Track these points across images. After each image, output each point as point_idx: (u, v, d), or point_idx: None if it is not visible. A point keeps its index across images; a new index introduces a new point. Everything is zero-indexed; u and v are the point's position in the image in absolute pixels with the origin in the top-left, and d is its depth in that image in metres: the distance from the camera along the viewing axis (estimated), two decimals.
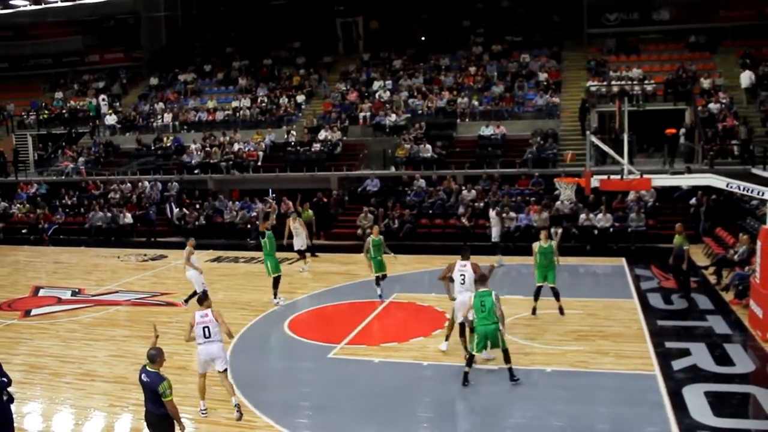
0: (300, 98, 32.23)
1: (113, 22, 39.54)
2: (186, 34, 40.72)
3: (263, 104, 32.38)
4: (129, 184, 29.35)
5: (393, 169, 27.01)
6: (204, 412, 9.99)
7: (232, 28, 39.40)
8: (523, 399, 10.10)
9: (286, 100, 32.18)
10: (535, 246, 14.07)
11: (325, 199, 25.65)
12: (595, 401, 9.96)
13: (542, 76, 29.43)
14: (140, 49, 39.94)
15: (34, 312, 16.37)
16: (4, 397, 8.21)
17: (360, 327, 13.79)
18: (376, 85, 31.35)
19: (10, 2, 30.27)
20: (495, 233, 19.62)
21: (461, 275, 11.73)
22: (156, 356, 7.93)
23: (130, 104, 36.08)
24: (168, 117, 33.20)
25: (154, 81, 37.28)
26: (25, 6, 30.57)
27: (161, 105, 34.38)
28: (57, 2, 30.58)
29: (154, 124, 33.35)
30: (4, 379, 8.26)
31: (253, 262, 21.12)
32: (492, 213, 19.99)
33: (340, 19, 35.49)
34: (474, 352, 10.47)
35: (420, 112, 29.06)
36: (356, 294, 16.61)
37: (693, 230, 20.75)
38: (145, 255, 23.27)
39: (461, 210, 23.34)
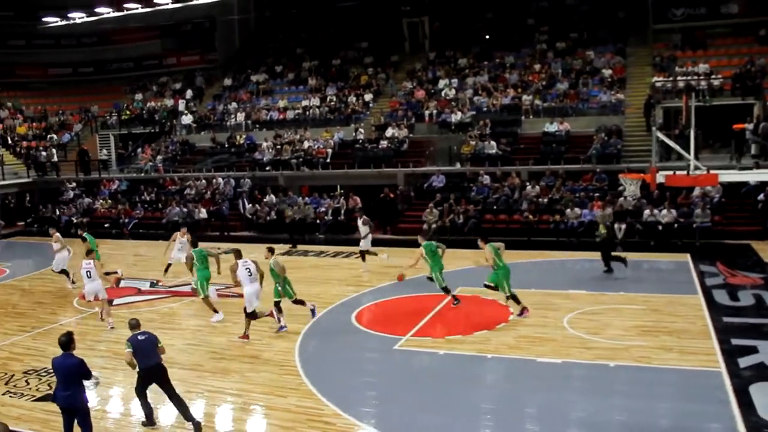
0: (368, 97, 32.80)
1: (190, 26, 41.06)
2: (258, 37, 41.73)
3: (332, 103, 33.05)
4: (204, 181, 30.35)
5: (458, 165, 27.31)
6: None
7: (303, 29, 40.17)
8: (586, 393, 10.18)
9: (355, 98, 32.79)
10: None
11: (392, 195, 26.17)
12: (658, 397, 9.86)
13: (607, 72, 29.26)
14: (215, 52, 41.22)
15: (116, 302, 16.78)
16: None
17: (425, 320, 13.98)
18: (441, 83, 31.66)
19: (95, 10, 31.69)
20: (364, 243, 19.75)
21: (247, 269, 13.27)
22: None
23: (206, 104, 37.33)
24: (241, 116, 34.26)
25: (228, 82, 38.38)
26: (109, 13, 31.98)
27: (235, 105, 35.46)
28: (138, 8, 31.87)
29: (228, 123, 34.45)
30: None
31: (321, 256, 21.69)
32: (359, 222, 20.09)
33: (406, 19, 35.89)
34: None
35: (485, 109, 29.26)
36: (421, 288, 16.72)
37: (761, 226, 20.55)
38: (219, 248, 24.07)
39: (525, 205, 23.56)
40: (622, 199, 22.28)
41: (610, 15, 32.92)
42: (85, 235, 19.56)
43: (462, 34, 35.03)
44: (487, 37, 34.75)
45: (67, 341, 8.43)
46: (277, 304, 13.20)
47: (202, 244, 22.99)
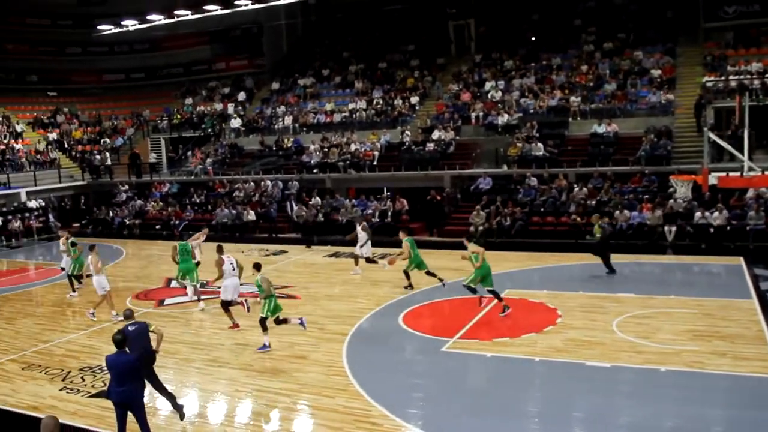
0: (414, 99, 32.86)
1: (238, 31, 41.75)
2: (305, 41, 42.16)
3: (379, 106, 33.22)
4: (252, 183, 30.80)
5: (505, 167, 27.21)
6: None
7: (349, 33, 40.50)
8: (635, 398, 9.95)
9: (401, 101, 32.90)
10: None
11: (438, 197, 26.23)
12: (710, 403, 9.69)
13: (656, 72, 28.80)
14: (263, 56, 41.78)
15: (167, 302, 17.58)
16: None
17: (472, 322, 13.94)
18: (488, 85, 31.56)
19: (147, 17, 32.44)
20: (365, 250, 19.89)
21: (231, 264, 14.71)
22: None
23: (254, 108, 37.84)
24: (288, 119, 34.68)
25: (275, 86, 38.84)
26: (160, 20, 32.69)
27: (282, 108, 35.90)
28: (188, 15, 32.53)
29: (276, 126, 34.91)
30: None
31: None
32: (358, 228, 20.05)
33: (452, 21, 35.96)
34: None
35: (532, 111, 29.09)
36: (468, 291, 16.84)
37: None
38: (267, 250, 24.29)
39: (573, 208, 23.37)
40: (672, 201, 21.97)
41: (658, 14, 32.35)
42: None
43: (508, 36, 34.88)
44: (533, 38, 34.52)
45: (121, 339, 8.64)
46: (262, 321, 13.07)
47: (250, 246, 23.48)
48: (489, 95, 30.82)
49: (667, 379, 10.58)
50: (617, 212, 22.21)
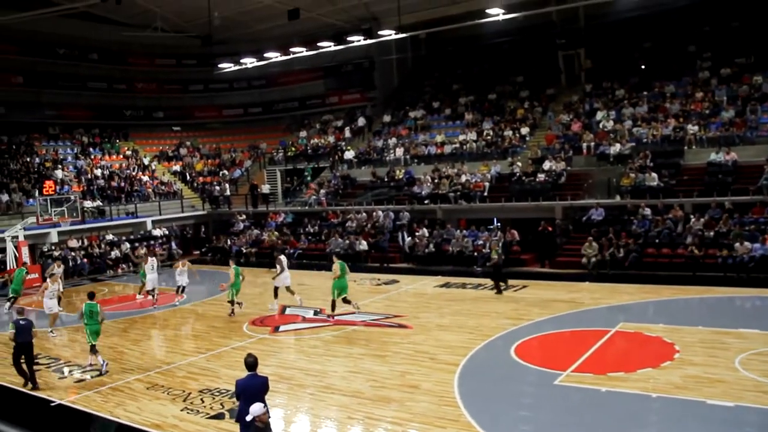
0: (524, 130, 32.87)
1: (351, 66, 43.00)
2: (416, 74, 42.99)
3: (489, 137, 33.35)
4: (364, 214, 31.51)
5: (618, 198, 26.77)
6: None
7: (458, 66, 40.97)
8: None
9: (511, 132, 32.95)
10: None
11: (550, 228, 26.12)
12: None
13: None
14: (375, 90, 42.87)
15: (282, 328, 18.08)
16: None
17: (586, 355, 13.66)
18: (599, 115, 31.22)
19: (264, 55, 34.16)
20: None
21: (151, 266, 21.59)
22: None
23: (366, 140, 38.82)
24: (400, 151, 35.32)
25: (387, 118, 39.71)
26: (276, 57, 34.31)
27: (394, 140, 36.62)
28: (303, 52, 33.94)
29: (387, 158, 35.61)
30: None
31: (479, 289, 21.84)
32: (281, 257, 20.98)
33: (561, 52, 35.81)
34: None
35: (645, 140, 28.52)
36: (581, 322, 16.62)
37: None
38: (379, 279, 24.75)
39: (689, 239, 22.74)
40: None
41: None
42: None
43: (619, 64, 34.43)
44: (643, 66, 33.90)
45: (254, 362, 8.98)
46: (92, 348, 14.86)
47: (362, 275, 24.24)
48: (600, 125, 30.48)
49: None
50: (737, 244, 21.49)
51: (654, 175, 26.05)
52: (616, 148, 28.32)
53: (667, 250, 23.16)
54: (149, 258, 22.97)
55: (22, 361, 13.68)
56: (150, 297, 22.32)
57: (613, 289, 20.25)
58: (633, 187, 26.42)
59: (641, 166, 26.80)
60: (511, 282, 21.76)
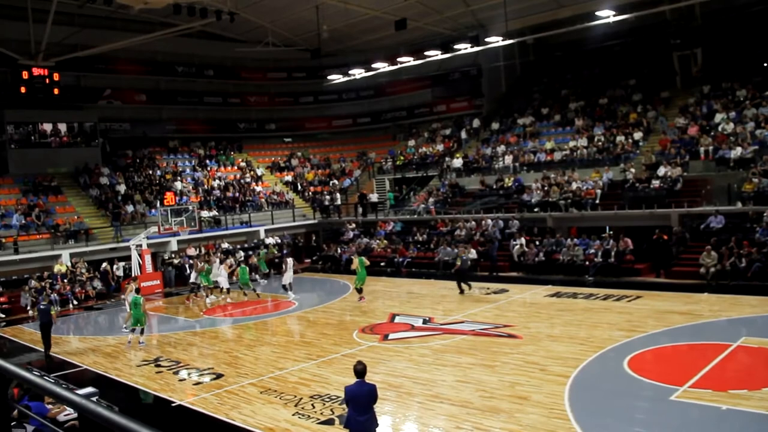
0: (637, 135, 31.82)
1: (458, 74, 42.96)
2: (524, 81, 42.47)
3: (600, 143, 32.57)
4: (473, 222, 31.40)
5: (739, 204, 25.50)
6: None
7: (567, 70, 40.30)
8: None
9: (623, 137, 32.01)
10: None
11: (665, 237, 25.24)
12: None
13: None
14: (482, 97, 42.62)
15: (391, 336, 18.24)
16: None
17: (705, 370, 13.06)
18: (718, 117, 29.82)
19: (372, 66, 34.77)
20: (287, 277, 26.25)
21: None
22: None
23: (475, 148, 38.67)
24: (509, 159, 35.01)
25: (495, 126, 39.41)
26: (384, 67, 34.86)
27: (502, 148, 36.30)
28: (410, 61, 34.32)
29: (496, 165, 35.36)
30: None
31: (591, 299, 21.40)
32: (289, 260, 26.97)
33: (676, 52, 34.53)
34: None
35: None
36: (699, 335, 16.01)
37: None
38: (488, 288, 24.60)
39: None
40: None
41: None
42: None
43: (740, 63, 32.78)
44: (766, 64, 32.16)
45: (363, 369, 9.22)
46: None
47: (472, 283, 24.40)
48: (719, 128, 29.09)
49: None
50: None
51: None
52: (737, 151, 26.99)
53: None
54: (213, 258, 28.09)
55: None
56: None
57: (735, 301, 19.35)
58: (756, 192, 25.09)
59: (766, 171, 25.41)
60: (624, 292, 21.29)
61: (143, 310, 19.43)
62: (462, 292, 23.95)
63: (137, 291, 20.45)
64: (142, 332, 19.50)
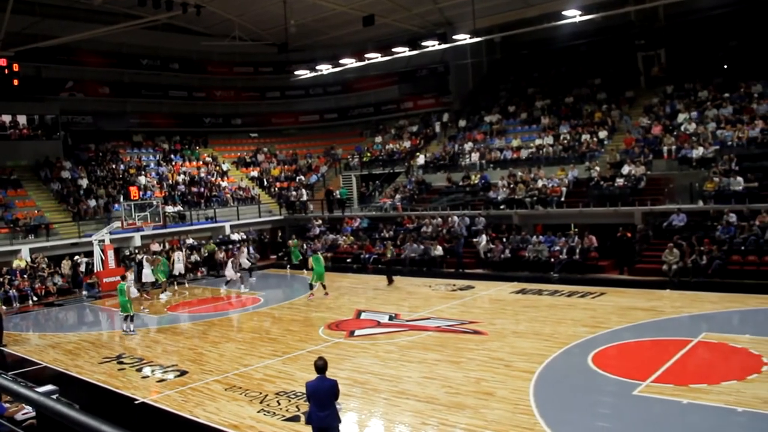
0: (602, 134, 32.17)
1: (425, 71, 43.10)
2: (491, 78, 42.64)
3: (566, 141, 32.84)
4: (439, 219, 31.46)
5: (701, 203, 25.91)
6: None
7: (534, 69, 40.50)
8: None
9: (588, 136, 32.33)
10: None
11: (629, 234, 25.54)
12: None
13: None
14: (449, 95, 42.69)
15: (357, 333, 18.23)
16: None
17: (666, 365, 13.29)
18: (680, 117, 30.24)
19: (340, 61, 34.62)
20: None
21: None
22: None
23: (441, 145, 38.76)
24: (475, 156, 35.16)
25: (462, 123, 39.53)
26: (352, 63, 34.73)
27: (469, 145, 36.46)
28: (378, 58, 34.23)
29: (463, 162, 35.47)
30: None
31: (556, 295, 21.53)
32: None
33: (641, 52, 34.94)
34: None
35: (730, 143, 27.46)
36: (662, 331, 16.21)
37: None
38: (454, 285, 24.67)
39: None
40: None
41: None
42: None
43: (702, 64, 33.24)
44: (726, 66, 32.62)
45: (323, 365, 9.20)
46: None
47: (437, 280, 24.46)
48: (682, 127, 29.50)
49: None
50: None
51: (739, 179, 25.12)
52: (698, 151, 27.41)
53: (754, 258, 22.31)
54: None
55: None
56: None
57: (696, 298, 19.67)
58: (717, 191, 25.53)
59: (726, 170, 25.87)
60: (588, 289, 21.57)
61: (127, 297, 19.63)
62: (392, 282, 25.69)
63: (123, 278, 21.19)
64: (131, 320, 19.77)
